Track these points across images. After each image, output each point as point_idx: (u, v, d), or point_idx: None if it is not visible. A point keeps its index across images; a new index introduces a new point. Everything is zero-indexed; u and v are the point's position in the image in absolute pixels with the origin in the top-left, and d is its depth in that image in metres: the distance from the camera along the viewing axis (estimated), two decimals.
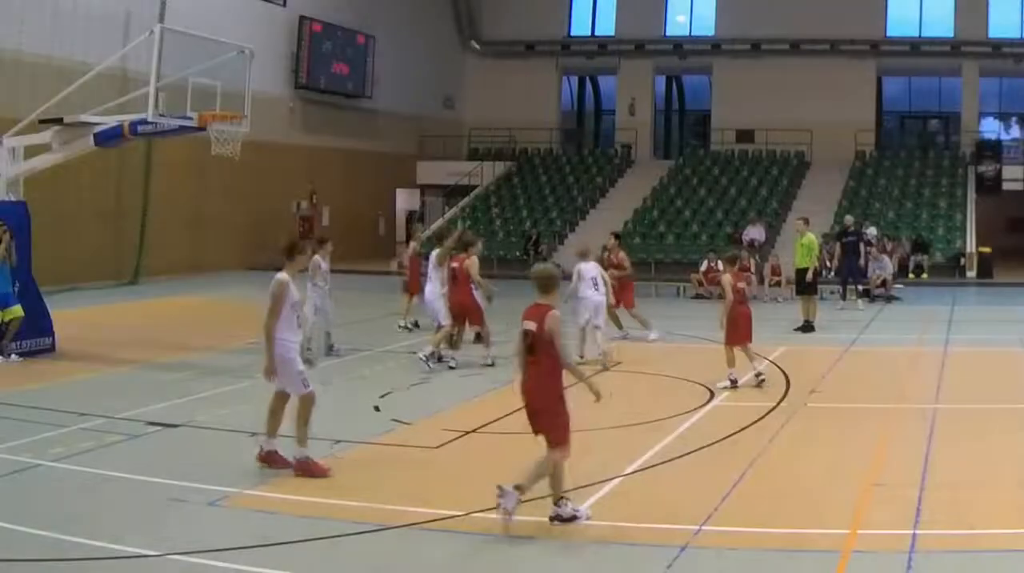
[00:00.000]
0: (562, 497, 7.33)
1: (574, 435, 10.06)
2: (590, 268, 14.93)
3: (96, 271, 25.59)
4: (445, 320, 14.29)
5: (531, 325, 7.33)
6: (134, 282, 26.79)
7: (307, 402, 8.67)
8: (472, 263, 14.24)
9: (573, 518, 7.25)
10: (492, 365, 13.80)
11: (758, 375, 12.65)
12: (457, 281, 14.26)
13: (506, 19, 41.57)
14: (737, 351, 12.56)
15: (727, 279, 12.77)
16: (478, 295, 14.27)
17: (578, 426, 10.37)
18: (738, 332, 12.61)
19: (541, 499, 7.83)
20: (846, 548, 6.76)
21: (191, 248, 29.41)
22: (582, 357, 15.01)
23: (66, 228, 23.43)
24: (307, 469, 8.50)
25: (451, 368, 13.92)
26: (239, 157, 15.68)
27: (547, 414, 7.36)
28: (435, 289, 14.56)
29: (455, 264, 14.38)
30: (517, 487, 7.16)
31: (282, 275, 8.75)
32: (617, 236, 19.14)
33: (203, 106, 15.04)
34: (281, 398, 8.86)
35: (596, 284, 14.78)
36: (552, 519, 7.28)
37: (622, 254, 17.90)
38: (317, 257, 14.97)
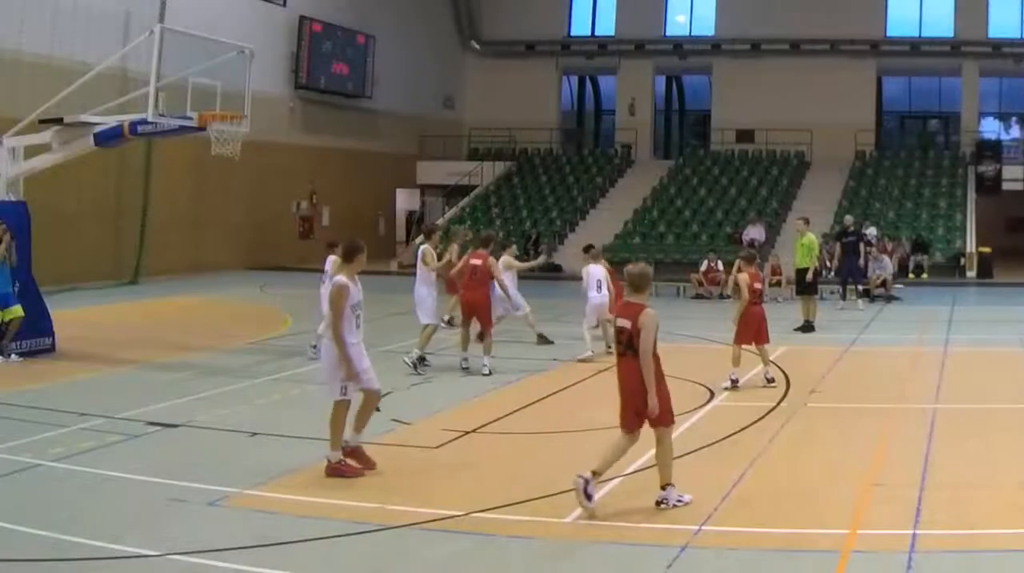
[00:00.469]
0: (670, 483, 7.66)
1: (574, 435, 10.12)
2: (597, 270, 15.21)
3: (96, 271, 25.60)
4: (430, 320, 14.16)
5: (626, 322, 7.57)
6: (134, 282, 26.79)
7: (340, 408, 8.63)
8: (495, 263, 14.23)
9: (679, 503, 7.60)
10: (489, 374, 13.42)
11: (769, 378, 12.68)
12: (475, 278, 13.85)
13: (506, 19, 41.58)
14: (744, 351, 12.59)
15: (744, 278, 12.80)
16: (493, 296, 14.15)
17: (578, 426, 10.42)
18: (748, 331, 12.65)
19: (540, 499, 7.84)
20: (846, 548, 6.76)
21: (191, 248, 29.42)
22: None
23: (66, 228, 23.44)
24: (340, 471, 8.52)
25: (464, 368, 13.63)
26: (239, 157, 15.67)
27: (647, 405, 7.56)
28: (427, 288, 14.26)
29: (476, 261, 13.96)
30: (664, 485, 7.63)
31: (341, 278, 8.67)
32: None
33: (203, 106, 15.04)
34: (372, 397, 8.86)
35: (600, 286, 15.03)
36: (658, 503, 7.63)
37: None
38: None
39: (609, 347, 15.40)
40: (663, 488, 7.66)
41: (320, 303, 15.28)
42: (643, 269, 7.87)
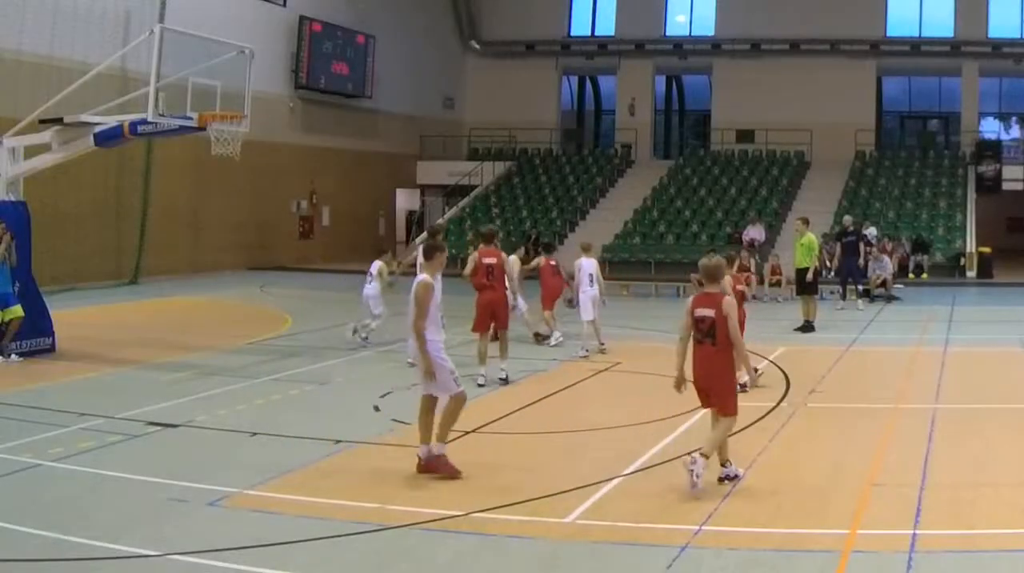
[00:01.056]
0: (728, 460, 8.36)
1: (574, 435, 10.13)
2: (589, 264, 15.55)
3: (96, 271, 25.60)
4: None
5: (708, 311, 8.15)
6: (134, 282, 26.79)
7: (459, 402, 8.66)
8: (507, 260, 13.90)
9: (736, 477, 8.26)
10: (506, 380, 12.83)
11: (756, 371, 12.70)
12: (493, 278, 13.01)
13: (506, 19, 41.58)
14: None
15: (726, 280, 12.77)
16: (509, 296, 13.89)
17: (578, 426, 10.43)
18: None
19: (537, 500, 7.84)
20: (846, 548, 6.76)
21: (191, 248, 29.43)
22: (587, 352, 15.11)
23: (66, 228, 23.44)
24: (436, 467, 8.46)
25: (480, 385, 12.43)
26: (239, 157, 15.68)
27: (722, 389, 8.26)
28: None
29: (491, 259, 13.08)
30: (703, 454, 8.11)
31: (425, 277, 8.65)
32: (545, 248, 17.72)
33: (203, 106, 15.03)
34: (430, 402, 8.77)
35: (592, 281, 15.38)
36: (721, 480, 8.25)
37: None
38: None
39: (602, 344, 15.43)
40: (723, 465, 8.33)
41: (362, 302, 16.04)
42: (718, 261, 8.48)
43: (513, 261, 14.39)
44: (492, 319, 13.04)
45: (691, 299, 8.40)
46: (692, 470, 7.93)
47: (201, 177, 28.31)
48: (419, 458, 8.61)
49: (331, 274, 30.44)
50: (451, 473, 8.44)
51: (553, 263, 16.89)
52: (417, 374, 8.87)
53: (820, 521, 7.42)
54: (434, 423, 8.66)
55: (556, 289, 16.78)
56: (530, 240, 32.18)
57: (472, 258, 13.34)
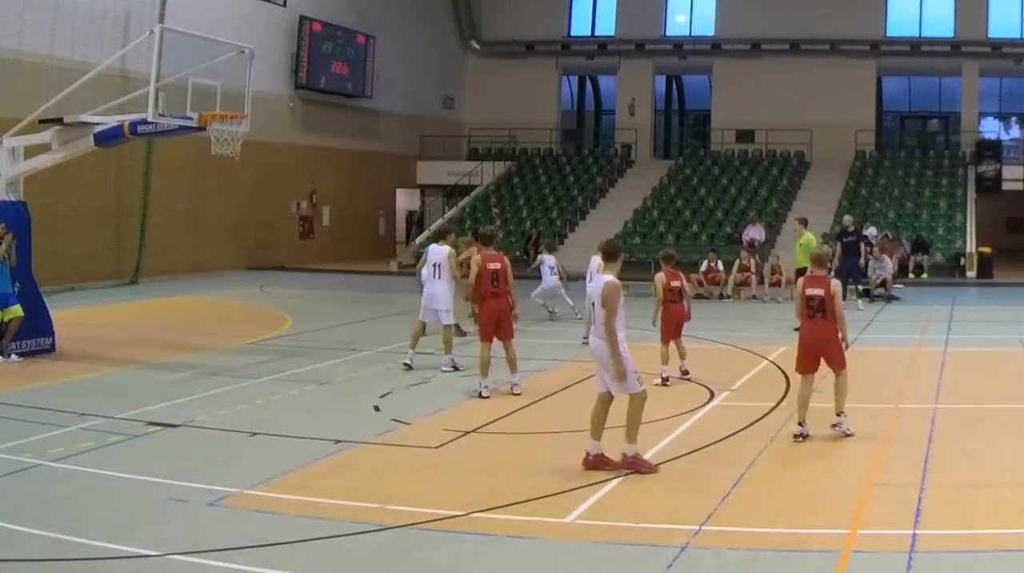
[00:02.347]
0: (843, 412, 9.92)
1: (574, 435, 10.13)
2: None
3: (96, 271, 25.60)
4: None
5: (819, 291, 9.99)
6: (134, 282, 26.79)
7: (642, 400, 8.77)
8: (450, 253, 13.81)
9: (850, 434, 9.75)
10: (519, 394, 12.10)
11: (685, 373, 13.05)
12: (498, 284, 12.22)
13: (506, 19, 41.57)
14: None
15: (659, 277, 13.11)
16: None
17: (578, 426, 10.42)
18: (669, 330, 13.09)
19: (537, 500, 7.84)
20: (846, 548, 6.76)
21: (191, 248, 29.43)
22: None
23: (66, 228, 23.44)
24: (637, 465, 8.60)
25: (484, 397, 11.89)
26: (239, 157, 15.67)
27: (833, 352, 10.03)
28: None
29: (495, 265, 12.29)
30: (841, 413, 9.93)
31: (613, 278, 8.85)
32: (476, 235, 15.10)
33: (203, 106, 15.02)
34: (608, 399, 8.90)
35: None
36: (834, 426, 9.89)
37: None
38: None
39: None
40: (838, 415, 9.91)
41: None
42: (826, 251, 11.28)
43: (449, 253, 13.75)
44: (496, 329, 12.14)
45: (801, 281, 10.30)
46: (842, 428, 9.78)
47: (201, 177, 28.31)
48: (587, 453, 8.72)
49: (331, 274, 30.46)
50: (650, 469, 8.62)
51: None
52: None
53: (820, 521, 7.42)
54: (604, 422, 8.84)
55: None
56: (530, 240, 32.22)
57: (475, 261, 12.62)
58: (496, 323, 12.13)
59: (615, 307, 8.64)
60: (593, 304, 8.81)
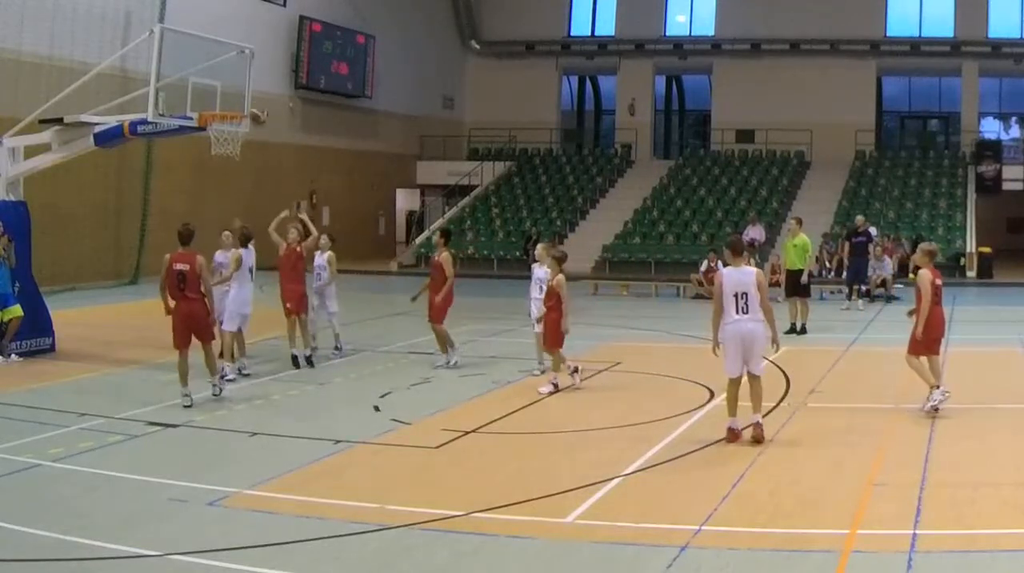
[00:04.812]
0: (936, 386, 10.96)
1: (574, 435, 10.15)
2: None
3: (96, 271, 25.59)
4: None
5: (940, 281, 11.34)
6: (134, 282, 26.79)
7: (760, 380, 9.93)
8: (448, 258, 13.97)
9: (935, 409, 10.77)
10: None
11: (574, 373, 12.66)
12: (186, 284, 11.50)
13: (506, 19, 41.57)
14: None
15: (560, 279, 12.54)
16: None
17: (578, 426, 10.43)
18: (555, 334, 12.53)
19: (537, 500, 7.84)
20: (846, 548, 6.76)
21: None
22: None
23: (66, 228, 23.44)
24: (759, 433, 9.68)
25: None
26: (239, 157, 15.68)
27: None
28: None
29: (184, 266, 11.50)
30: (935, 386, 10.95)
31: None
32: (445, 234, 14.87)
33: (203, 106, 15.03)
34: (740, 382, 9.85)
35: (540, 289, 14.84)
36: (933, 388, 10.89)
37: (445, 255, 14.20)
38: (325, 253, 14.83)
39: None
40: (936, 387, 10.89)
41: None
42: (935, 247, 12.18)
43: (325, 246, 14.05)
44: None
45: (930, 273, 11.25)
46: (939, 401, 10.78)
47: (201, 177, 28.30)
48: (734, 431, 9.73)
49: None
50: (761, 437, 9.66)
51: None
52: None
53: (820, 521, 7.42)
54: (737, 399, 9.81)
55: None
56: (530, 240, 32.22)
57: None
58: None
59: (767, 290, 10.00)
60: (744, 294, 9.69)
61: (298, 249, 14.11)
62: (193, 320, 11.47)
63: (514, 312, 19.07)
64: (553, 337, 12.48)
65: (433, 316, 13.93)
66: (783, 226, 31.76)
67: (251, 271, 13.88)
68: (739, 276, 9.85)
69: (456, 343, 14.27)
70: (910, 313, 11.70)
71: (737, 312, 9.72)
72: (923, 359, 11.29)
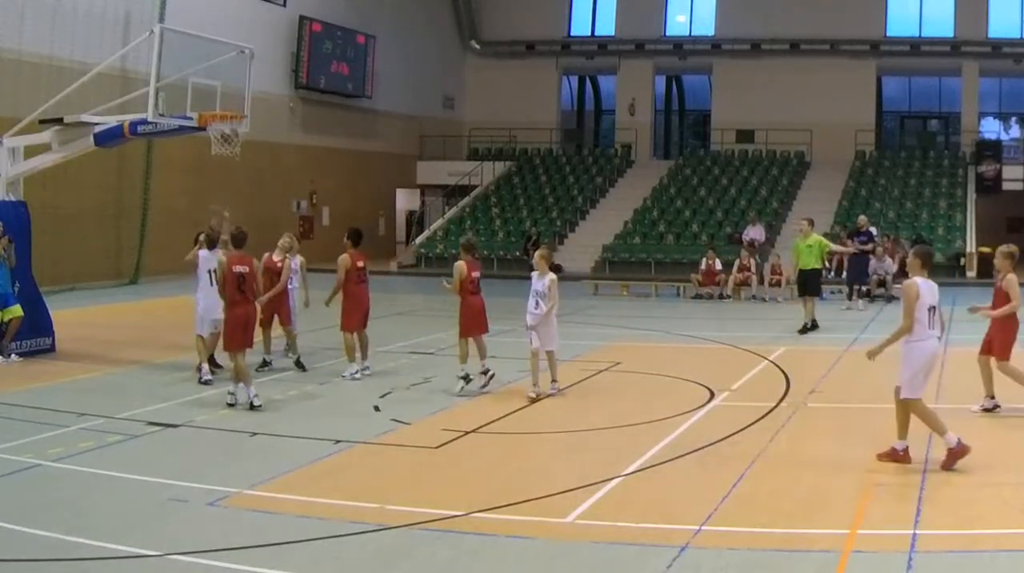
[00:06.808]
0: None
1: (574, 435, 10.14)
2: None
3: (96, 271, 25.59)
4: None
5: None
6: (134, 282, 26.79)
7: (917, 405, 8.98)
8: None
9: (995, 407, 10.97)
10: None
11: (485, 372, 12.33)
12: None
13: (506, 19, 41.58)
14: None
15: (460, 266, 12.26)
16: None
17: (578, 426, 10.43)
18: (466, 323, 12.32)
19: (537, 500, 7.84)
20: (846, 548, 6.76)
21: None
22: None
23: (66, 228, 23.43)
24: (960, 453, 8.61)
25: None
26: (239, 157, 15.68)
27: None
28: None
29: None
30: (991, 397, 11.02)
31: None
32: (353, 236, 14.71)
33: (203, 106, 15.03)
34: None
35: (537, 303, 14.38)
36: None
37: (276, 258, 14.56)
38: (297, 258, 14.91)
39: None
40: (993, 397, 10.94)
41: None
42: (1015, 250, 11.48)
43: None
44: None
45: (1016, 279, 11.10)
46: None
47: (201, 177, 28.29)
48: (898, 451, 8.81)
49: (331, 274, 30.33)
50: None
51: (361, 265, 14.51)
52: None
53: (820, 521, 7.42)
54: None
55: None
56: (530, 240, 32.22)
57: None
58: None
59: (912, 309, 9.12)
60: (935, 309, 8.99)
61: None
62: (252, 322, 11.67)
63: (514, 312, 19.06)
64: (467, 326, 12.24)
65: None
66: (783, 226, 31.84)
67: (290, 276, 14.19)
68: (933, 289, 8.95)
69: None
70: (971, 310, 11.94)
71: (931, 327, 8.92)
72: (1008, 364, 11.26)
